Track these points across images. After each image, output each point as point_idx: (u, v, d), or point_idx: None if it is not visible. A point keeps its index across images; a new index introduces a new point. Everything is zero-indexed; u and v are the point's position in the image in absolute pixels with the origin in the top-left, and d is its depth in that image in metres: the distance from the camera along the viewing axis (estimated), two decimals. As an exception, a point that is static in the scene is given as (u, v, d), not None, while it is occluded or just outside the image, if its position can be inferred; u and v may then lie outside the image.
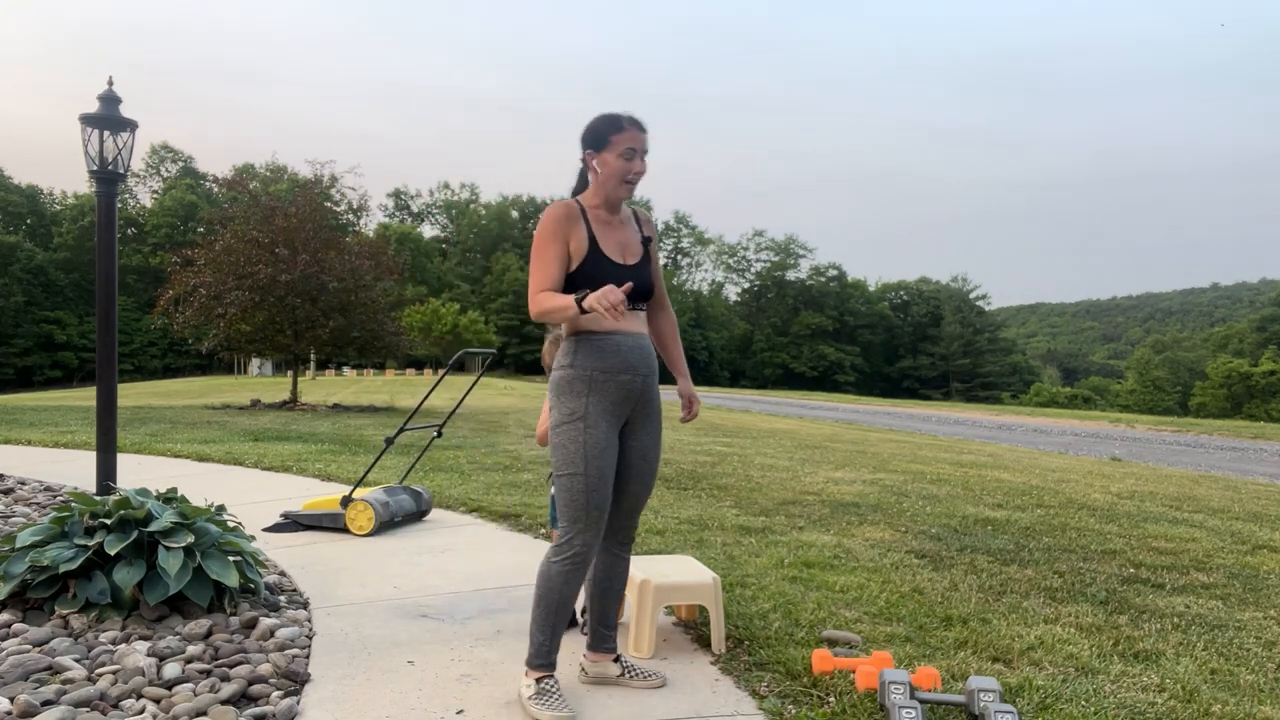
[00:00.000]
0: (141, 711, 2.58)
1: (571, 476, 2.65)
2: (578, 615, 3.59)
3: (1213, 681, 3.10)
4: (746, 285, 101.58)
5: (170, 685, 2.77)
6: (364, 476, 5.85)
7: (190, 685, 2.76)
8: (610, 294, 2.39)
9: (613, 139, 2.69)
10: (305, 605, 3.75)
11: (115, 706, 2.62)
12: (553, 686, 2.71)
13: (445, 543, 5.03)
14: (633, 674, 2.92)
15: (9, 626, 3.18)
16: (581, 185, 2.86)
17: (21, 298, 67.55)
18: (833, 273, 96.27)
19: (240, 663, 2.95)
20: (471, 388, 5.98)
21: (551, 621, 2.73)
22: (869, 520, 5.92)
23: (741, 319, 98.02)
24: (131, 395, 26.14)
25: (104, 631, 3.17)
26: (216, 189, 26.53)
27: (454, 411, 6.15)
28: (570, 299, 2.55)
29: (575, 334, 2.73)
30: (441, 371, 5.46)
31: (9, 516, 5.28)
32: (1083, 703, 2.82)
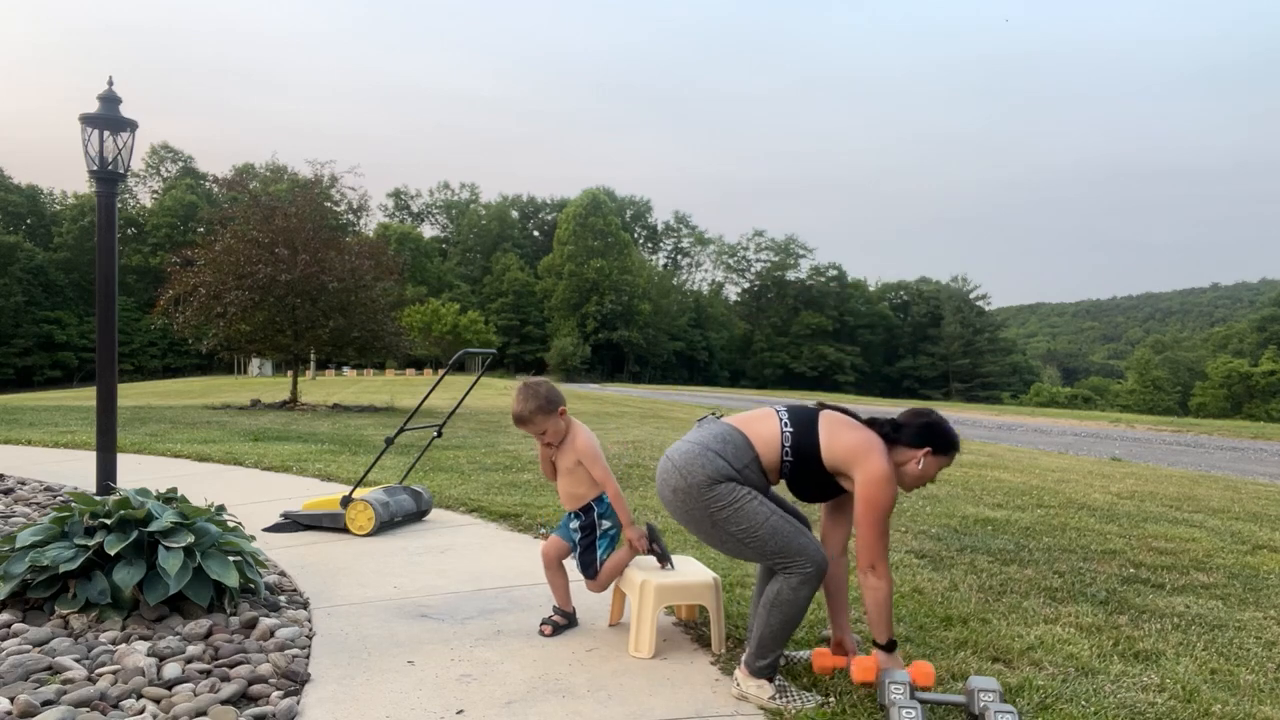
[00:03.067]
0: (141, 711, 2.58)
1: None
2: (576, 616, 3.59)
3: (1213, 681, 3.10)
4: (746, 285, 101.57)
5: (170, 685, 2.76)
6: (364, 476, 5.85)
7: (190, 685, 2.76)
8: None
9: (951, 455, 2.92)
10: (305, 605, 3.75)
11: (115, 706, 2.62)
12: (787, 685, 2.88)
13: (445, 543, 5.02)
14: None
15: (9, 626, 3.18)
16: (917, 441, 2.90)
17: (21, 298, 67.54)
18: (833, 273, 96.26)
19: (240, 663, 2.94)
20: (471, 388, 5.98)
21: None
22: (869, 520, 5.91)
23: (741, 319, 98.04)
24: (131, 395, 26.14)
25: (104, 631, 3.17)
26: (216, 189, 26.53)
27: (454, 411, 6.14)
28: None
29: None
30: (441, 371, 5.47)
31: (9, 516, 5.27)
32: (1083, 703, 2.82)
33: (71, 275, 73.42)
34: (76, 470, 7.42)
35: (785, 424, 2.93)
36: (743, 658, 2.92)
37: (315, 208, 18.37)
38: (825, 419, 2.92)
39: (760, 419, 2.98)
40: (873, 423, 2.95)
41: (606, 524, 3.49)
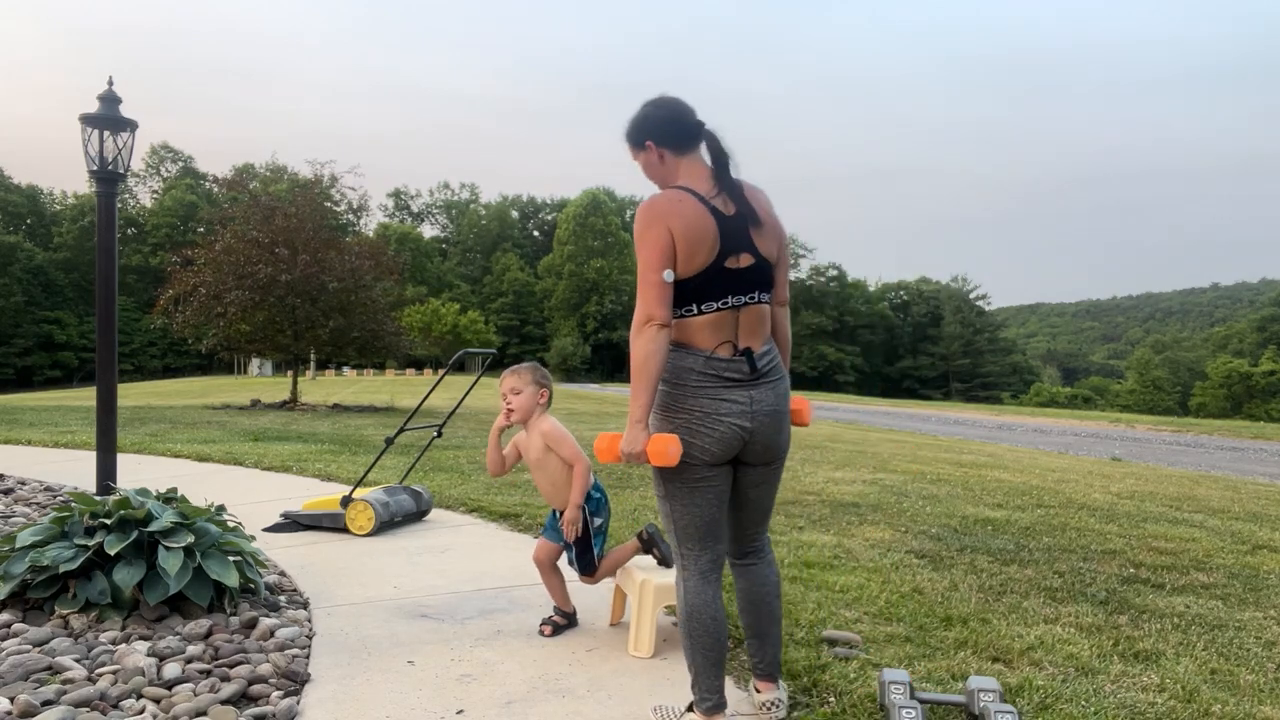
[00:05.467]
0: (141, 711, 2.58)
1: None
2: (575, 615, 3.59)
3: (1213, 681, 3.10)
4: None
5: (170, 685, 2.76)
6: (364, 476, 5.85)
7: (190, 685, 2.76)
8: None
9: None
10: (305, 605, 3.75)
11: (115, 706, 2.62)
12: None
13: (445, 543, 5.02)
14: None
15: (9, 626, 3.18)
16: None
17: (21, 298, 67.54)
18: (833, 273, 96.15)
19: (240, 663, 2.94)
20: (471, 388, 5.97)
21: None
22: (869, 520, 5.92)
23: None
24: (131, 395, 26.14)
25: (104, 631, 3.17)
26: (216, 189, 26.52)
27: (454, 411, 6.14)
28: None
29: None
30: (441, 371, 5.48)
31: (9, 516, 5.27)
32: (1083, 703, 2.82)
33: (71, 275, 73.43)
34: (76, 470, 7.42)
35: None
36: (762, 677, 2.67)
37: (315, 208, 18.37)
38: None
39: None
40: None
41: (599, 520, 3.49)
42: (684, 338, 2.40)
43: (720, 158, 2.46)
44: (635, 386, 2.31)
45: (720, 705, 2.50)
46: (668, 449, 2.31)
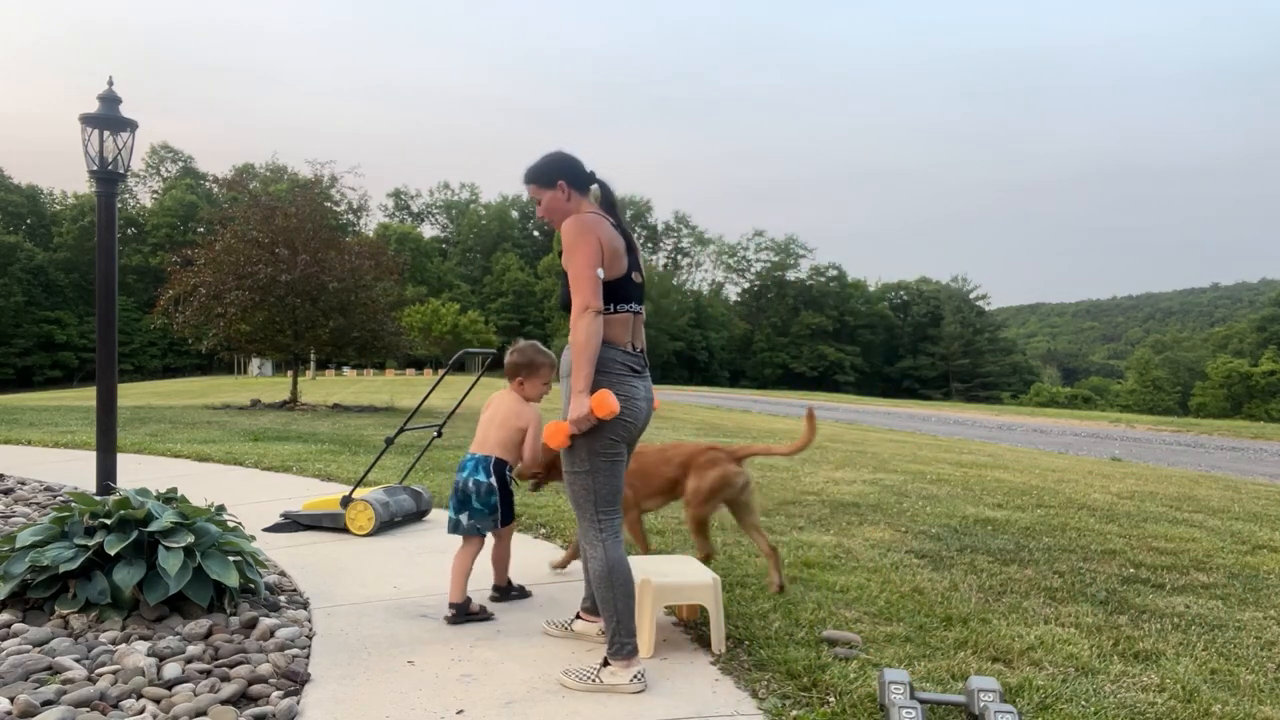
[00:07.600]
0: (141, 711, 2.58)
1: None
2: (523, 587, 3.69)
3: (1213, 681, 3.10)
4: (746, 285, 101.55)
5: (170, 685, 2.77)
6: (364, 476, 5.85)
7: (190, 685, 2.76)
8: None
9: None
10: (305, 605, 3.75)
11: (115, 706, 2.62)
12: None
13: (445, 543, 5.01)
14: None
15: (9, 626, 3.18)
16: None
17: (21, 298, 67.52)
18: (833, 273, 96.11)
19: (240, 663, 2.95)
20: (471, 388, 5.97)
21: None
22: (869, 520, 5.92)
23: (741, 319, 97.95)
24: (131, 395, 26.13)
25: (104, 631, 3.17)
26: (216, 189, 26.52)
27: (454, 411, 6.14)
28: None
29: None
30: (441, 371, 5.47)
31: (9, 516, 5.27)
32: (1083, 703, 2.82)
33: (71, 275, 73.38)
34: (76, 470, 7.41)
35: None
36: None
37: (315, 208, 18.34)
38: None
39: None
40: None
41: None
42: (605, 333, 2.90)
43: (610, 198, 3.10)
44: (578, 363, 2.80)
45: (636, 648, 2.94)
46: (607, 400, 2.80)
